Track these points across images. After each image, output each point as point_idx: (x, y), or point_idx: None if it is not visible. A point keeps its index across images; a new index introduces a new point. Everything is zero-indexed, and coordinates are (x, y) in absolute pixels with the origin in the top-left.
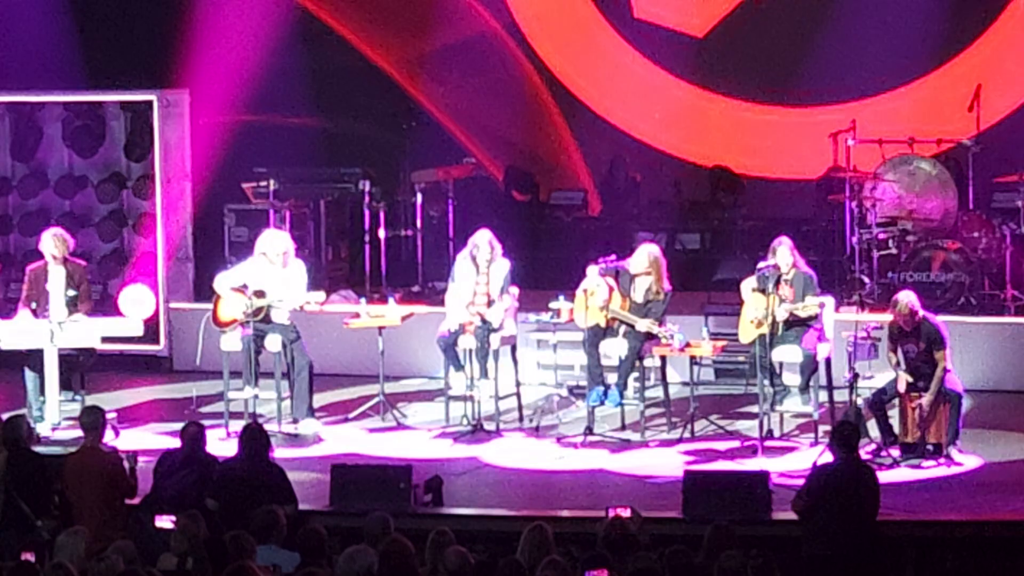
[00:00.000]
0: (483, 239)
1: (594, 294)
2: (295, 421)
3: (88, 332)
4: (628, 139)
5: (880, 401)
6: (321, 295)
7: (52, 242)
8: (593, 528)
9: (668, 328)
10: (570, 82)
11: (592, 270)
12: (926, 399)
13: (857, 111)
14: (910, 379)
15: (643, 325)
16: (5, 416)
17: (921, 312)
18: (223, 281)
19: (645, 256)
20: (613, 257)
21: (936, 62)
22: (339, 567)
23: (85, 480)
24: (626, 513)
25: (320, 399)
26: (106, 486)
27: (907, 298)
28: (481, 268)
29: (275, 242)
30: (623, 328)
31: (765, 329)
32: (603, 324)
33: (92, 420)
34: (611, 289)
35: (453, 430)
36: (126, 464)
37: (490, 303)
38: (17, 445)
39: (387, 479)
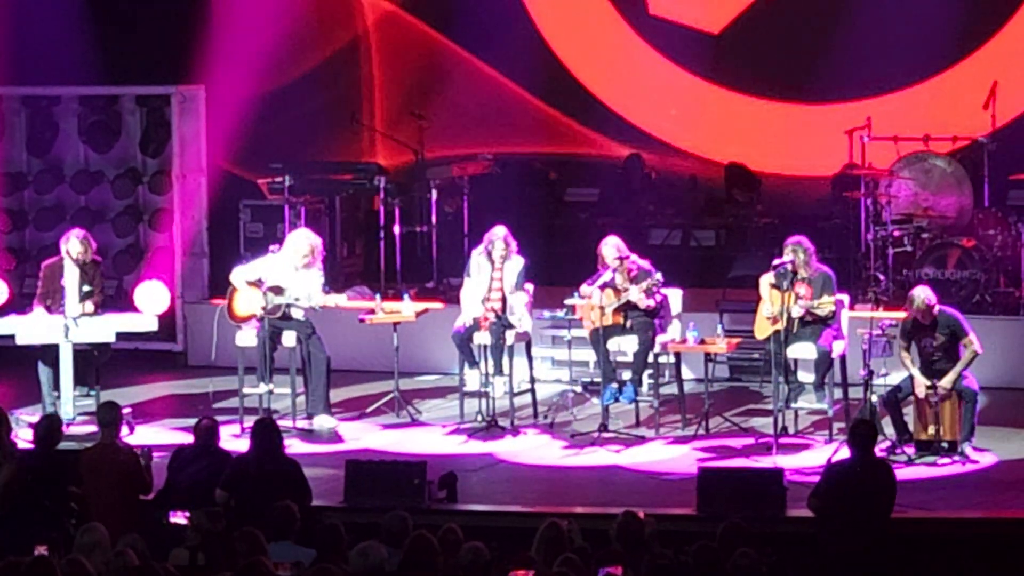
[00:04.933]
0: (499, 235)
1: (593, 308)
2: (310, 417)
3: (103, 328)
4: (644, 136)
5: (895, 399)
6: (342, 298)
7: (76, 245)
8: (607, 525)
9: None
10: (586, 79)
11: (585, 290)
12: (947, 379)
13: (872, 108)
14: (928, 383)
15: (633, 293)
16: (32, 414)
17: (937, 305)
18: (240, 275)
19: (611, 249)
20: (600, 272)
21: (952, 59)
22: (351, 562)
23: (102, 476)
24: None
25: (335, 395)
26: (123, 482)
27: (923, 293)
28: (496, 264)
29: (305, 242)
30: (630, 322)
31: (781, 326)
32: (610, 322)
33: (109, 416)
34: (604, 289)
35: (467, 426)
36: (141, 460)
37: (504, 299)
38: (47, 443)
39: (401, 475)
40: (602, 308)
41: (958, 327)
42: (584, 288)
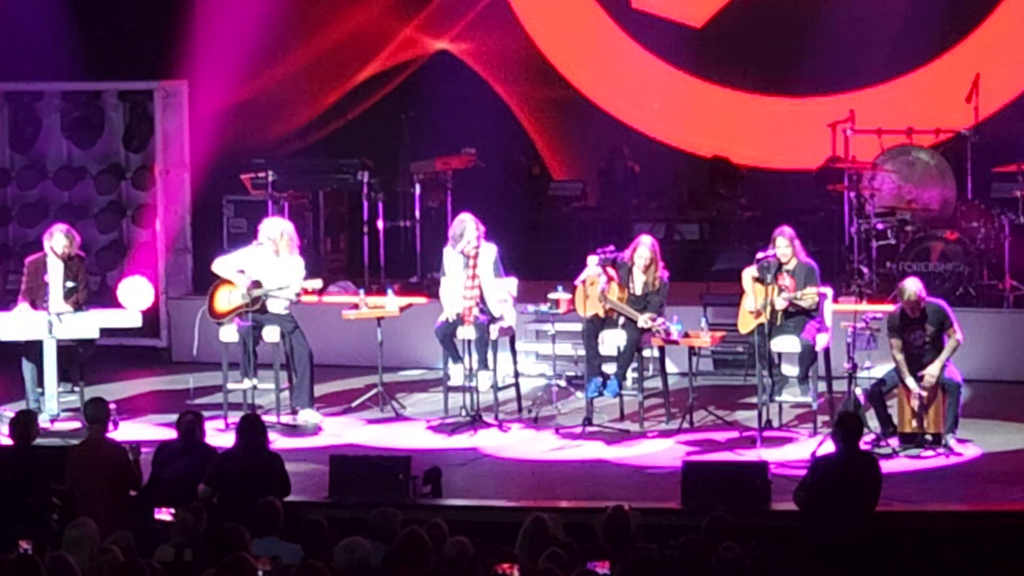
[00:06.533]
0: (468, 222)
1: (594, 284)
2: (294, 412)
3: (87, 324)
4: (627, 130)
5: (879, 392)
6: (318, 282)
7: (61, 239)
8: (592, 519)
9: (663, 321)
10: (569, 73)
11: (592, 260)
12: (932, 368)
13: (856, 101)
14: (919, 378)
15: (642, 321)
16: (15, 410)
17: (925, 297)
18: (222, 264)
19: (647, 249)
20: (612, 248)
21: (934, 52)
22: (337, 558)
23: (91, 472)
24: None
25: (319, 390)
26: (112, 478)
27: (914, 285)
28: (468, 254)
29: (276, 228)
30: (622, 318)
31: (764, 319)
32: (601, 314)
33: (97, 412)
34: (610, 279)
35: (452, 421)
36: (130, 456)
37: (482, 290)
38: (25, 440)
39: (386, 470)
40: (603, 293)
41: (945, 318)
42: (591, 259)
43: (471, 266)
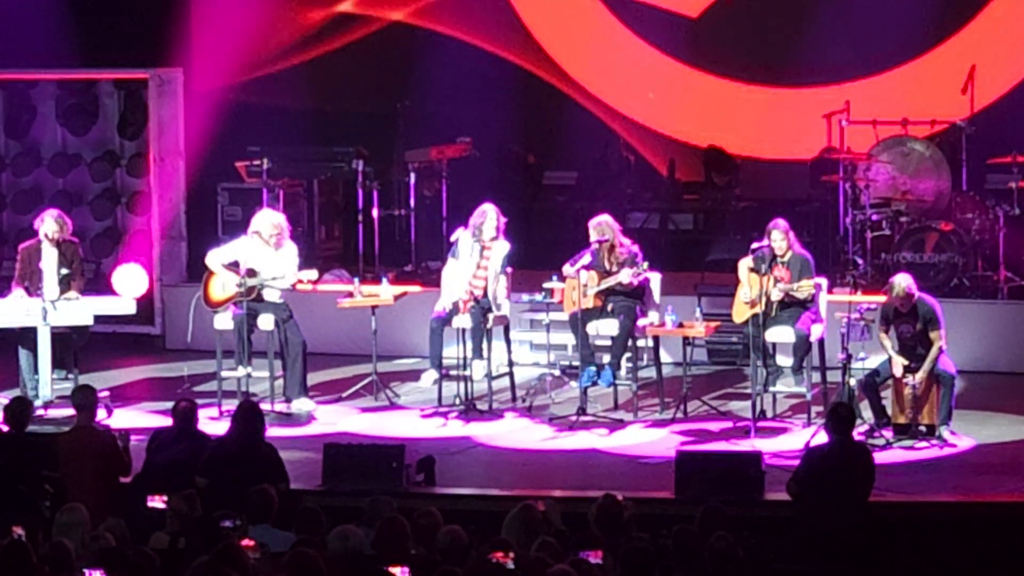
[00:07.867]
0: (490, 212)
1: (575, 287)
2: (288, 400)
3: (81, 310)
4: (622, 119)
5: (873, 382)
6: (313, 273)
7: (52, 224)
8: (585, 508)
9: (640, 262)
10: (564, 62)
11: (568, 270)
12: (918, 375)
13: (851, 92)
14: (906, 362)
15: (624, 275)
16: (10, 396)
17: (916, 293)
18: (215, 257)
19: (593, 230)
20: (606, 239)
21: (930, 43)
22: (330, 545)
23: (80, 459)
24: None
25: (313, 378)
26: (101, 465)
27: (904, 281)
28: (486, 243)
29: (269, 221)
30: (611, 305)
31: (759, 309)
32: (591, 305)
33: (85, 399)
34: (588, 270)
35: (445, 409)
36: (119, 443)
37: (486, 282)
38: (19, 426)
39: (379, 458)
40: (585, 287)
41: (933, 319)
42: (566, 268)
43: (485, 256)
